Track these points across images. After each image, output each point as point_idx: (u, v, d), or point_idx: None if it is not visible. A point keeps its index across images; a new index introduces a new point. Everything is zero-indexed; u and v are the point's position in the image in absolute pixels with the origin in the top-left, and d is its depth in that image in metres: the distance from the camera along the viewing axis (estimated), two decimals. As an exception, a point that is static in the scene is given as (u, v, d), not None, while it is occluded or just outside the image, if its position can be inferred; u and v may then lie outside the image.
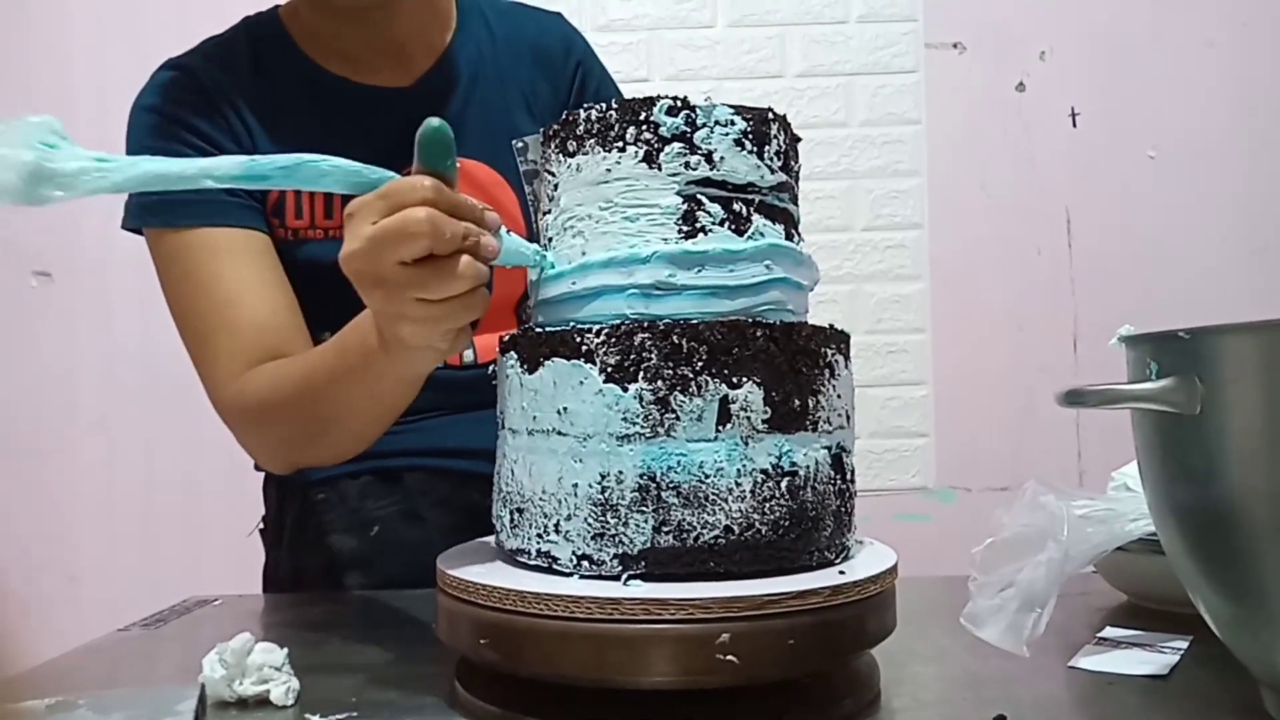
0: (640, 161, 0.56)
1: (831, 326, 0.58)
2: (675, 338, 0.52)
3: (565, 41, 1.00)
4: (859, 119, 1.84)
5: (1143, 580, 0.74)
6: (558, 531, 0.54)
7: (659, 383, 0.51)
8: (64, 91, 1.75)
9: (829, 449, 0.55)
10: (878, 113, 1.83)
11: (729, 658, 0.47)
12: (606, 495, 0.52)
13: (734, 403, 0.52)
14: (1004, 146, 1.83)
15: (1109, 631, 0.67)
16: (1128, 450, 0.58)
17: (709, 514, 0.51)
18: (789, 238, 0.59)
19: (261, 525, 0.98)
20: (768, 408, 0.52)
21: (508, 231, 0.58)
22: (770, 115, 0.58)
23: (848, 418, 0.58)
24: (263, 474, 0.96)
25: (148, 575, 1.69)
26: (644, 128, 0.56)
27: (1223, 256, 1.80)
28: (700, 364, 0.52)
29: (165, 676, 0.69)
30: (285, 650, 0.58)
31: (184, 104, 0.85)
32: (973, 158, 1.83)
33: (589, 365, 0.53)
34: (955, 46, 1.83)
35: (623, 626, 0.48)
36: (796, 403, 0.54)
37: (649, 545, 0.51)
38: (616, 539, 0.52)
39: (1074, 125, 1.84)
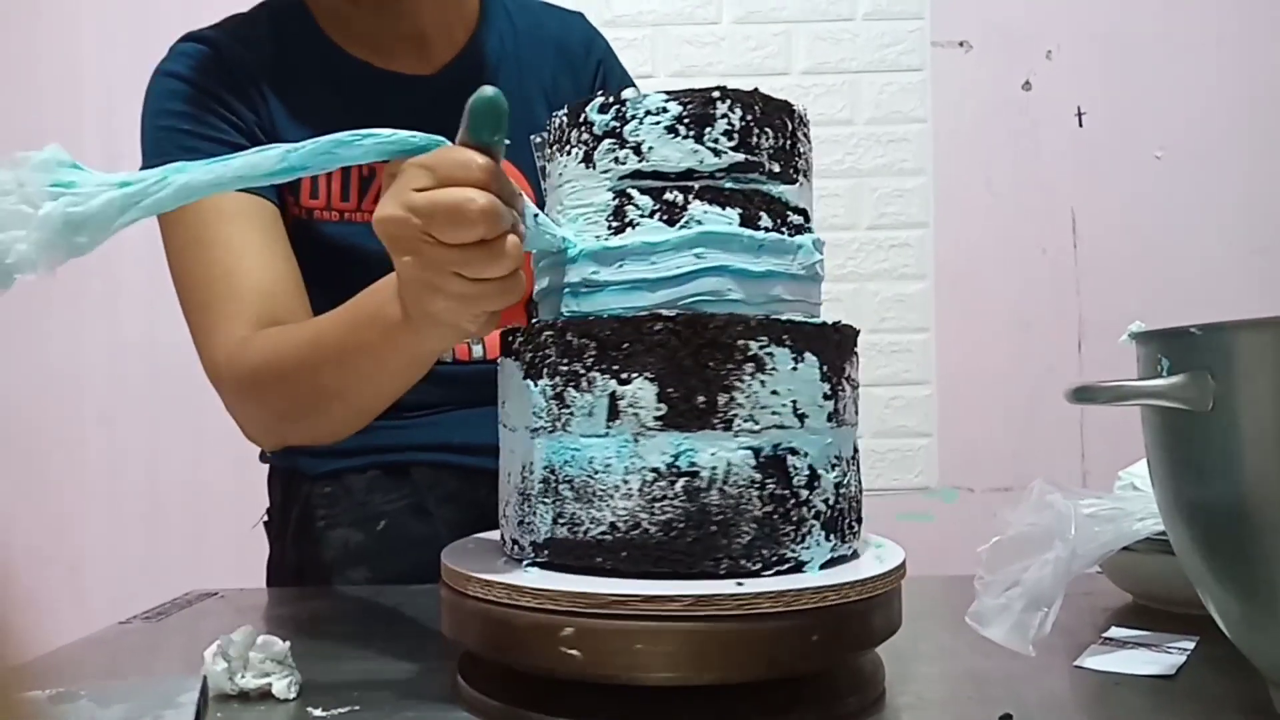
0: (580, 162, 0.57)
1: (767, 317, 0.53)
2: (569, 335, 0.53)
3: (587, 40, 1.01)
4: (864, 117, 1.83)
5: (1149, 580, 0.74)
6: (504, 516, 0.59)
7: (556, 379, 0.53)
8: (72, 89, 1.75)
9: (753, 450, 0.51)
10: (883, 111, 1.83)
11: (572, 651, 0.47)
12: (525, 485, 0.55)
13: (622, 399, 0.52)
14: (1010, 145, 1.83)
15: (1115, 631, 0.67)
16: (1132, 450, 0.57)
17: (596, 509, 0.52)
18: (751, 222, 0.55)
19: (266, 518, 0.97)
20: (662, 404, 0.51)
21: (535, 216, 0.56)
22: (717, 94, 0.55)
23: (800, 416, 0.53)
24: (267, 466, 0.96)
25: (151, 568, 1.69)
26: (581, 129, 0.57)
27: (1229, 256, 1.80)
28: (590, 360, 0.52)
29: (167, 669, 0.69)
30: (287, 643, 0.58)
31: (209, 74, 0.84)
32: (978, 156, 1.83)
33: (516, 362, 0.56)
34: (961, 45, 1.83)
35: (492, 607, 0.51)
36: (701, 399, 0.51)
37: (550, 535, 0.53)
38: (529, 527, 0.55)
39: (1080, 125, 1.83)
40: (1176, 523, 0.50)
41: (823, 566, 0.54)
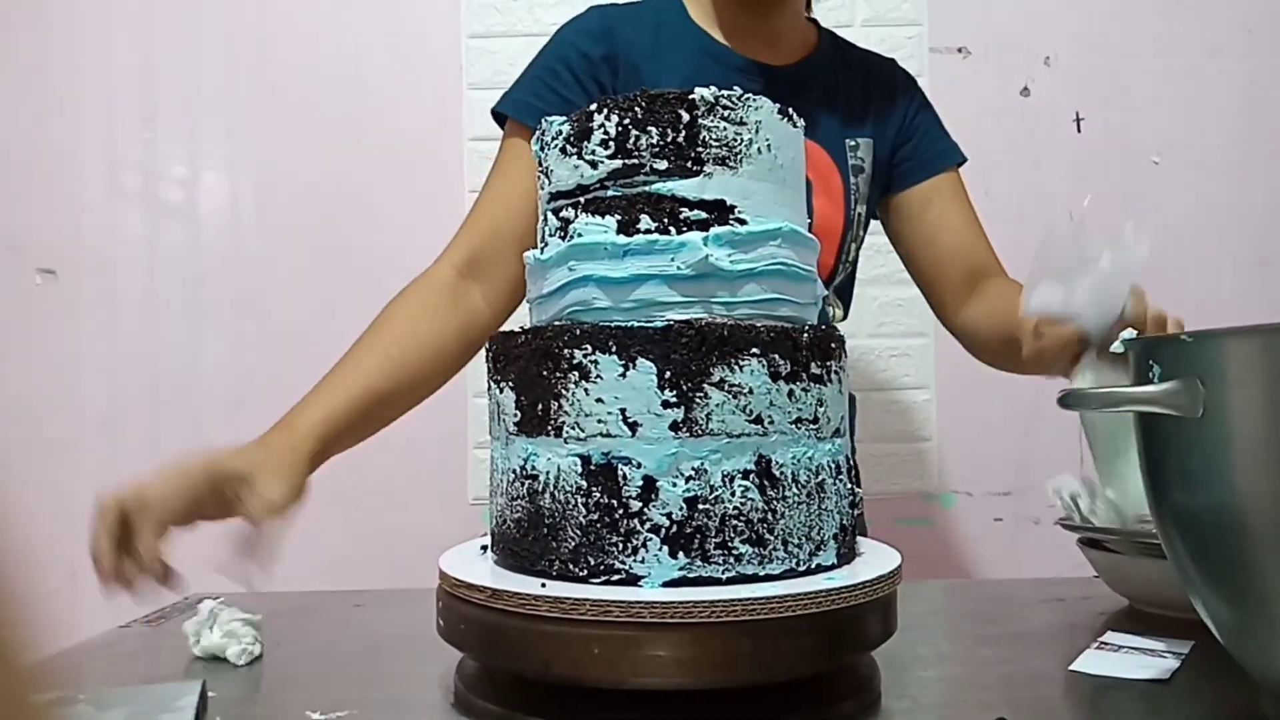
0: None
1: (596, 324, 0.52)
2: (486, 349, 0.59)
3: (906, 78, 1.18)
4: (863, 123, 1.84)
5: (1144, 585, 0.74)
6: None
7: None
8: (74, 94, 1.76)
9: (582, 457, 0.51)
10: (882, 117, 1.83)
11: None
12: None
13: (500, 406, 0.57)
14: (1008, 151, 1.83)
15: (1110, 636, 0.67)
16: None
17: (494, 505, 0.58)
18: (628, 227, 0.54)
19: None
20: (517, 411, 0.55)
21: None
22: (599, 105, 0.56)
23: (630, 425, 0.51)
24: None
25: (149, 573, 1.69)
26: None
27: (1227, 264, 1.80)
28: (488, 371, 0.58)
29: (166, 673, 0.69)
30: (259, 616, 0.59)
31: (598, 42, 1.00)
32: (976, 162, 1.82)
33: None
34: (960, 51, 1.83)
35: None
36: (540, 407, 0.53)
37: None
38: None
39: (1078, 130, 1.83)
40: (1168, 528, 0.50)
41: (700, 584, 0.50)
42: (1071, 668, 0.60)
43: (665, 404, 0.50)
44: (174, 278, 1.72)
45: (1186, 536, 0.48)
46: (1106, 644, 0.65)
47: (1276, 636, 0.45)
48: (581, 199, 0.57)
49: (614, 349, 0.51)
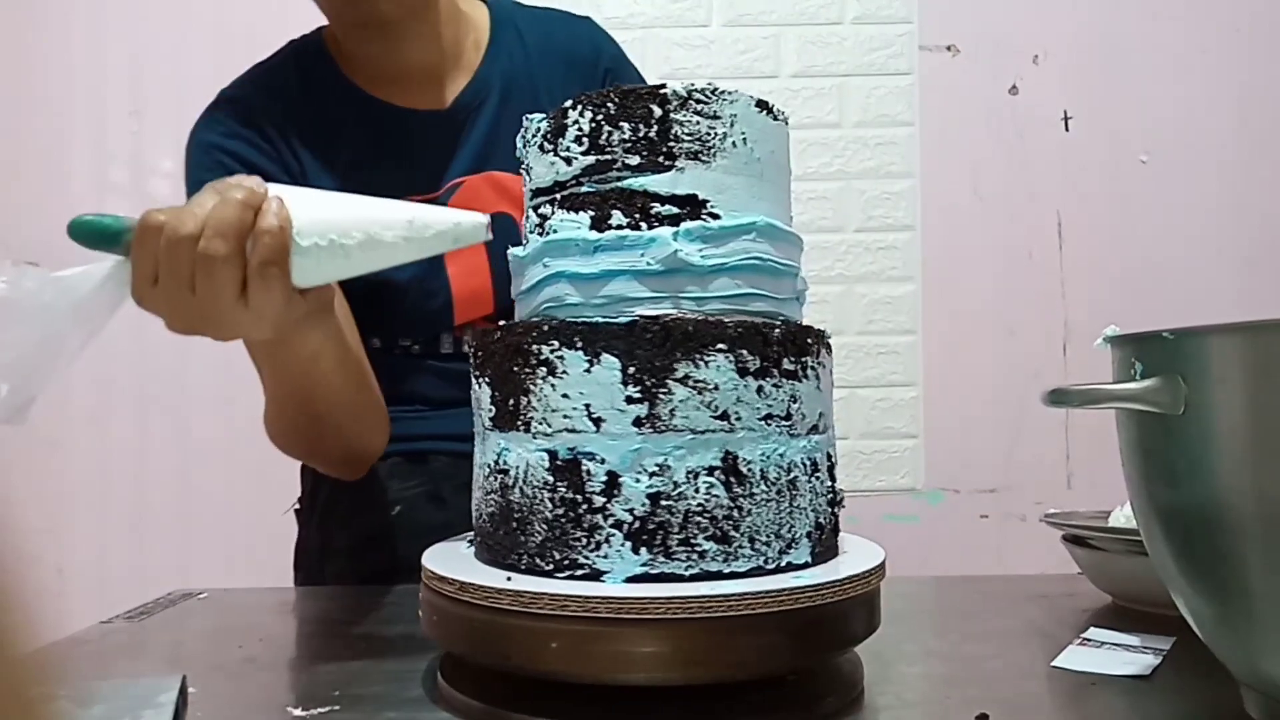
0: None
1: (562, 320, 0.52)
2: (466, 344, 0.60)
3: (595, 49, 1.00)
4: (852, 120, 1.84)
5: (1127, 581, 0.75)
6: None
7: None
8: (64, 93, 1.75)
9: (549, 452, 0.52)
10: (871, 114, 1.84)
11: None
12: None
13: (479, 402, 0.57)
14: (996, 149, 1.84)
15: (1093, 632, 0.67)
16: (1116, 453, 0.58)
17: (474, 500, 0.59)
18: (601, 223, 0.54)
19: (297, 505, 1.01)
20: (492, 406, 0.55)
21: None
22: (575, 102, 0.56)
23: (595, 420, 0.51)
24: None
25: (136, 569, 1.68)
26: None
27: (1214, 262, 1.81)
28: (472, 365, 0.58)
29: (149, 669, 0.68)
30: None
31: (238, 137, 0.88)
32: (965, 160, 1.84)
33: None
34: (949, 49, 1.84)
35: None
36: (511, 402, 0.54)
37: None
38: None
39: (1066, 129, 1.84)
40: (1150, 525, 0.50)
41: (669, 580, 0.50)
42: (1054, 664, 0.61)
43: (629, 399, 0.50)
44: (161, 273, 1.72)
45: (1168, 533, 0.49)
46: (1089, 640, 0.65)
47: (1257, 633, 0.45)
48: (557, 195, 0.57)
49: (580, 345, 0.51)
